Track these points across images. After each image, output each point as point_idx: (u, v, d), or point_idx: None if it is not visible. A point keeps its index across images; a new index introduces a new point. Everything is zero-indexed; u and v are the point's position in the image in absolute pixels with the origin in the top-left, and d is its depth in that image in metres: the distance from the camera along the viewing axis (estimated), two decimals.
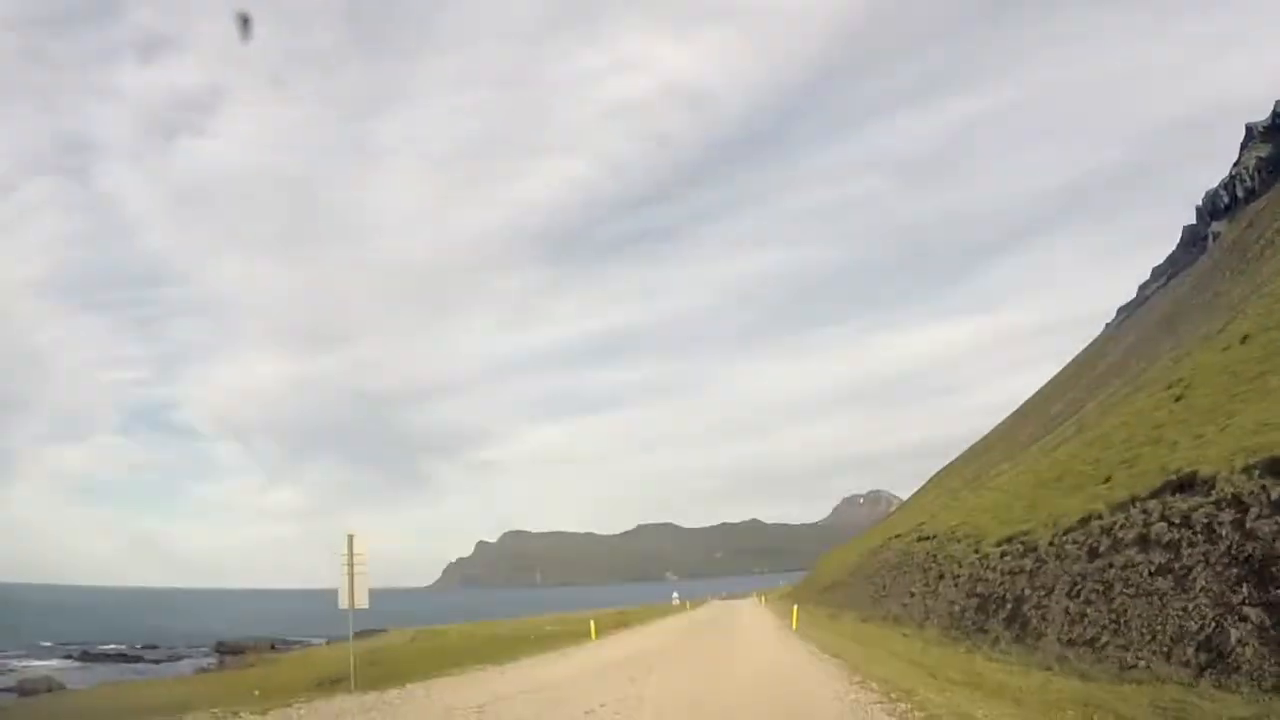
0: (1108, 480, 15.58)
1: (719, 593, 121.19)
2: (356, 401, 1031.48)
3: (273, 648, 55.42)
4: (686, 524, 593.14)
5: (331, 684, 19.24)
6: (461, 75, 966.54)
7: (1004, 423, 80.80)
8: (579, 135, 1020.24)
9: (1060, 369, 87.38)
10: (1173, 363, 30.12)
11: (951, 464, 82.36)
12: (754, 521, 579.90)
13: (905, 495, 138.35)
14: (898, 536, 38.87)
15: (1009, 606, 15.54)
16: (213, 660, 49.66)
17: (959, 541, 23.11)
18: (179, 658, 52.71)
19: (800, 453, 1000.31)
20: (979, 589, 17.90)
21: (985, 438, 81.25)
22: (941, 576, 22.27)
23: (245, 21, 6.81)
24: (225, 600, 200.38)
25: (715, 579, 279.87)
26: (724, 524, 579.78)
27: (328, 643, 61.38)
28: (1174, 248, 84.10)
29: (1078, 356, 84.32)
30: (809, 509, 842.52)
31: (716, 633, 32.78)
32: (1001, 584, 16.58)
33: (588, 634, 33.08)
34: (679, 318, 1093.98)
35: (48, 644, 61.29)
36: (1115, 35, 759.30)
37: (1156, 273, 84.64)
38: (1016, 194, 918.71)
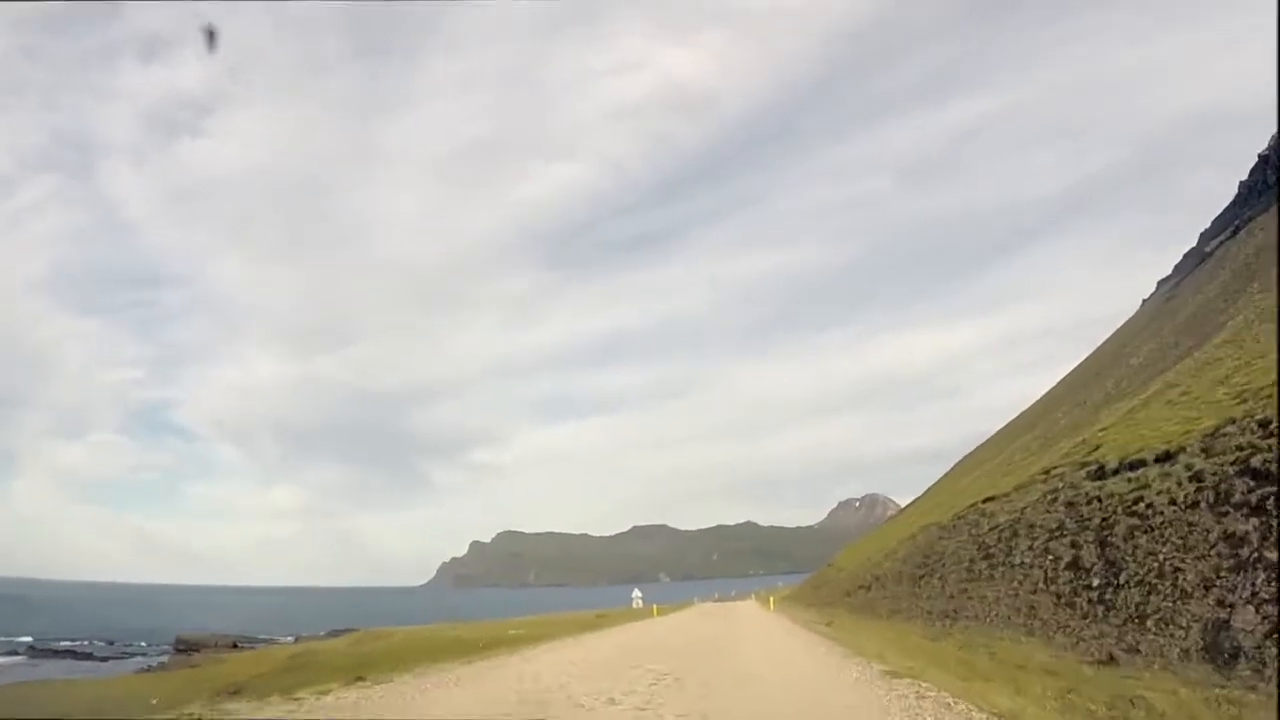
0: None
1: (710, 594, 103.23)
2: (355, 402, 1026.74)
3: (234, 645, 52.32)
4: (681, 526, 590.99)
5: (231, 694, 16.02)
6: (463, 78, 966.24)
7: (1054, 390, 78.66)
8: (581, 137, 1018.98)
9: (1096, 345, 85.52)
10: None
11: (1002, 431, 79.22)
12: (749, 524, 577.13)
13: (903, 500, 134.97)
14: (990, 499, 23.95)
15: None
16: (165, 658, 46.76)
17: None
18: (131, 655, 49.97)
19: (796, 456, 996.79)
20: None
21: (1026, 411, 79.21)
22: None
23: (211, 35, 7.12)
24: (219, 596, 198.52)
25: (709, 580, 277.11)
26: (719, 526, 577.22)
27: (295, 640, 58.48)
28: (1224, 207, 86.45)
29: (1123, 326, 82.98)
30: (804, 512, 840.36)
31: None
32: None
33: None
34: (678, 320, 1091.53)
35: (24, 639, 60.54)
36: (1120, 35, 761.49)
37: (1205, 236, 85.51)
38: (1020, 195, 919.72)
